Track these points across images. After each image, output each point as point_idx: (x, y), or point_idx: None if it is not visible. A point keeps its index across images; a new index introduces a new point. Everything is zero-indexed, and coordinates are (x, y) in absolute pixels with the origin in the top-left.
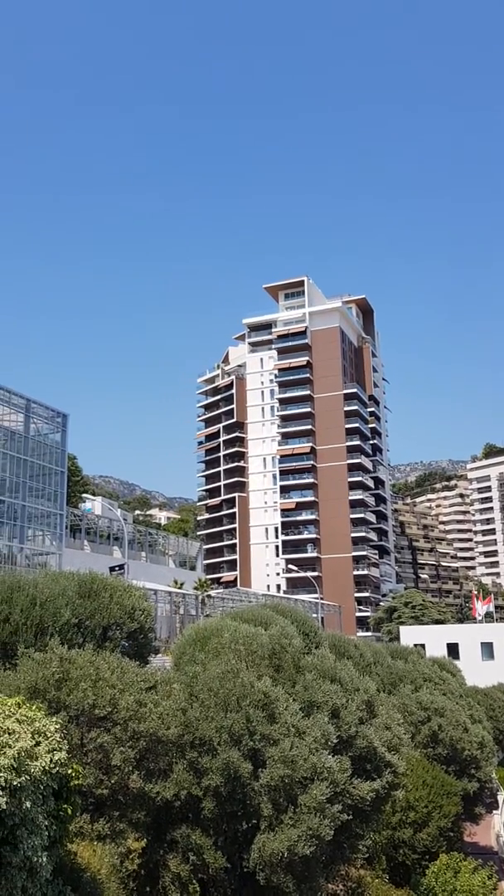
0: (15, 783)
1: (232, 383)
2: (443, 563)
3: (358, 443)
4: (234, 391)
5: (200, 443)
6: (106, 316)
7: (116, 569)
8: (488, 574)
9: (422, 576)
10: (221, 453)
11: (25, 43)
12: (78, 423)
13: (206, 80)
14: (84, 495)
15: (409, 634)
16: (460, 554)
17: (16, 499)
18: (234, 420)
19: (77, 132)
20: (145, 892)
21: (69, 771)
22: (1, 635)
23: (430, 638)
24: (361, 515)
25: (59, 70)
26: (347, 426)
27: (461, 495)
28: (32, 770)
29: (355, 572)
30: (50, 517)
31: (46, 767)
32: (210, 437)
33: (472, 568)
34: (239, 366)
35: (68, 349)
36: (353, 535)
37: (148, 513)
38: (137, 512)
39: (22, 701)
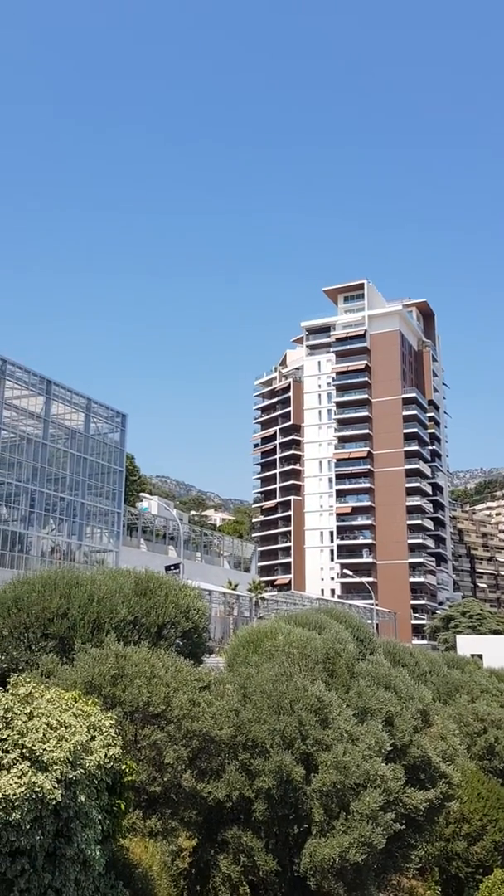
0: (70, 776)
1: (289, 386)
2: (502, 573)
3: (416, 448)
4: (290, 394)
5: (256, 445)
6: (166, 318)
7: (172, 568)
8: None
9: (480, 585)
10: (277, 456)
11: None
12: (136, 424)
13: (271, 83)
14: (141, 494)
15: (466, 644)
16: None
17: (76, 496)
18: (291, 423)
19: (149, 148)
20: (195, 892)
21: (123, 767)
22: (59, 630)
23: (488, 648)
24: (419, 522)
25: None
26: (406, 431)
27: None
28: (87, 764)
29: (411, 579)
30: (108, 515)
31: (101, 762)
32: (266, 440)
33: None
34: (296, 368)
35: (128, 350)
36: (410, 541)
37: (203, 513)
38: (193, 512)
39: (78, 695)
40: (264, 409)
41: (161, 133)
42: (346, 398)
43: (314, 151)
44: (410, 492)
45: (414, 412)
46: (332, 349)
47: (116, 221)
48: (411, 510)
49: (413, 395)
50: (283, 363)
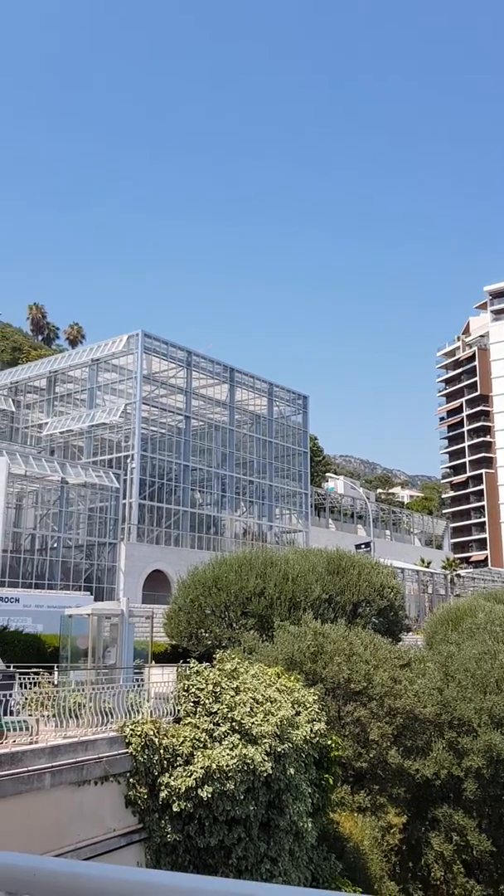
0: (279, 749)
1: (474, 355)
2: None
3: None
4: (476, 363)
5: (442, 419)
6: (342, 291)
7: (362, 546)
8: None
9: None
10: (465, 428)
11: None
12: (317, 404)
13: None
14: (327, 474)
15: None
16: None
17: (263, 479)
18: (479, 393)
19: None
20: (408, 868)
21: (329, 742)
22: (257, 608)
23: None
24: None
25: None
26: None
27: None
28: (294, 738)
29: None
30: (295, 496)
31: (307, 737)
32: (452, 413)
33: None
34: (481, 336)
35: (307, 332)
36: None
37: (390, 491)
38: (379, 490)
39: (281, 671)
40: (448, 381)
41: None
42: None
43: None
44: None
45: None
46: None
47: (285, 191)
48: None
49: None
50: (467, 331)
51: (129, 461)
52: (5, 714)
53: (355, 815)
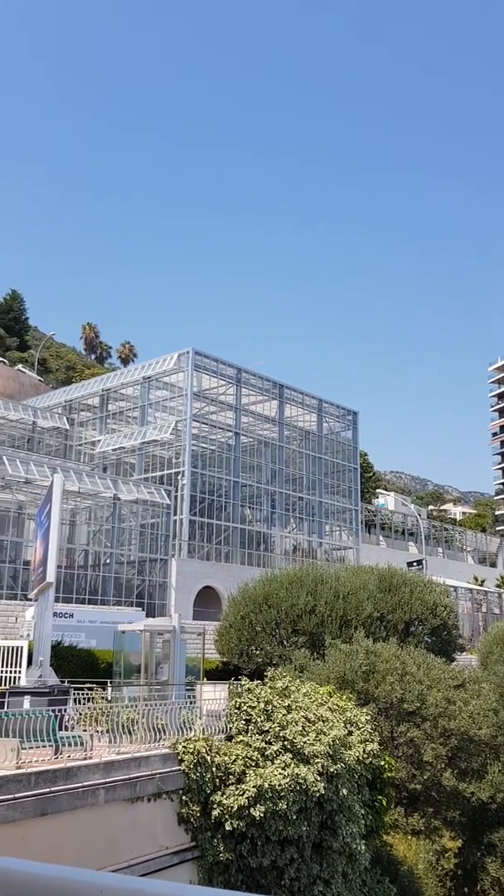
0: (331, 770)
1: None
2: None
3: None
4: None
5: (495, 434)
6: (392, 305)
7: (414, 564)
8: None
9: None
10: None
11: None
12: (368, 420)
13: None
14: (377, 491)
15: None
16: None
17: (313, 495)
18: None
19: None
20: (463, 893)
21: (382, 763)
22: (308, 626)
23: None
24: None
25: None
26: None
27: None
28: (347, 759)
29: None
30: (345, 513)
31: (360, 757)
32: None
33: None
34: None
35: (355, 347)
36: None
37: (442, 507)
38: (431, 507)
39: (332, 690)
40: (501, 396)
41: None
42: None
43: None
44: None
45: None
46: None
47: (335, 194)
48: None
49: None
50: None
51: (179, 478)
52: (60, 729)
53: (409, 837)
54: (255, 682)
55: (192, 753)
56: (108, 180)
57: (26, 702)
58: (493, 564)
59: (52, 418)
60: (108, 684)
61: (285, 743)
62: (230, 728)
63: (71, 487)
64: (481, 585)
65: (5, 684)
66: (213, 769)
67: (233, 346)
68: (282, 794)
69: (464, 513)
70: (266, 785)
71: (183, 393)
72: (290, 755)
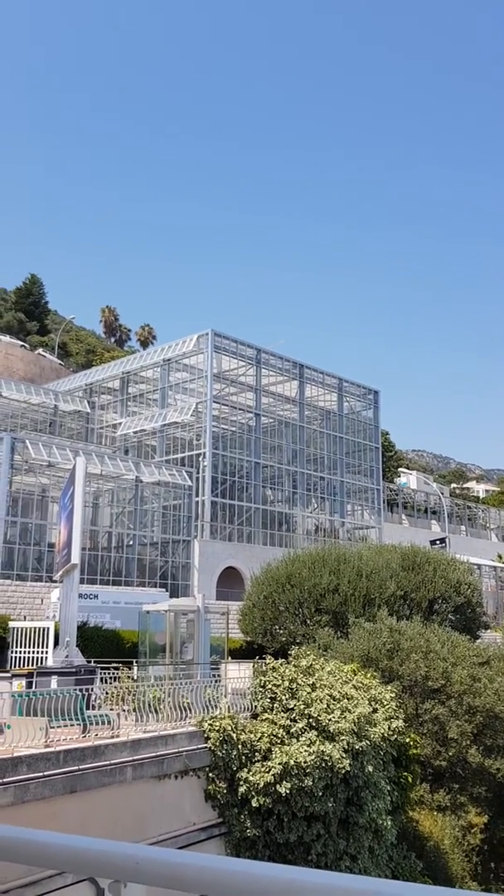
0: (357, 747)
1: None
2: None
3: None
4: None
5: None
6: (411, 283)
7: (437, 542)
8: None
9: None
10: None
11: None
12: (389, 399)
13: None
14: (399, 470)
15: None
16: None
17: (335, 475)
18: None
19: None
20: (490, 868)
21: (407, 740)
22: (331, 605)
23: None
24: None
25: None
26: None
27: None
28: (372, 736)
29: None
30: (367, 492)
31: (385, 734)
32: None
33: None
34: None
35: (375, 326)
36: None
37: (465, 486)
38: (453, 485)
39: (357, 668)
40: None
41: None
42: None
43: None
44: None
45: None
46: None
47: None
48: None
49: None
50: None
51: (200, 459)
52: (87, 708)
53: (435, 813)
54: (280, 660)
55: (217, 731)
56: (128, 165)
57: (54, 681)
58: None
59: (74, 402)
60: (134, 664)
61: (310, 720)
62: (255, 706)
63: (93, 470)
64: None
65: (33, 664)
66: (239, 746)
67: (252, 327)
68: (307, 770)
69: (487, 490)
70: (292, 762)
71: (203, 374)
72: (316, 732)
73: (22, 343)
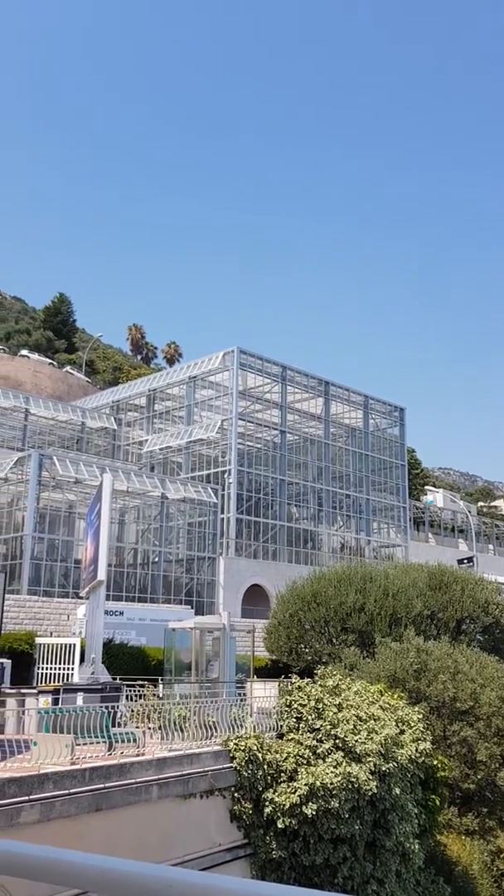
0: (384, 768)
1: None
2: None
3: None
4: None
5: None
6: (437, 299)
7: (465, 561)
8: None
9: None
10: None
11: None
12: (415, 416)
13: None
14: (426, 488)
15: None
16: None
17: (360, 493)
18: None
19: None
20: None
21: (435, 762)
22: (357, 624)
23: None
24: None
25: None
26: None
27: None
28: (399, 757)
29: None
30: (393, 510)
31: (412, 756)
32: None
33: None
34: None
35: (402, 343)
36: None
37: (492, 504)
38: (481, 503)
39: (384, 689)
40: None
41: None
42: None
43: None
44: None
45: None
46: None
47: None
48: None
49: None
50: None
51: (226, 476)
52: (113, 726)
53: (463, 837)
54: (306, 679)
55: (243, 751)
56: (156, 185)
57: (79, 698)
58: None
59: (100, 419)
60: (160, 681)
61: (337, 741)
62: (281, 726)
63: (120, 487)
64: None
65: (59, 681)
66: (265, 767)
67: (276, 344)
68: (334, 792)
69: None
70: (318, 783)
71: (228, 392)
72: (342, 753)
73: (50, 361)
